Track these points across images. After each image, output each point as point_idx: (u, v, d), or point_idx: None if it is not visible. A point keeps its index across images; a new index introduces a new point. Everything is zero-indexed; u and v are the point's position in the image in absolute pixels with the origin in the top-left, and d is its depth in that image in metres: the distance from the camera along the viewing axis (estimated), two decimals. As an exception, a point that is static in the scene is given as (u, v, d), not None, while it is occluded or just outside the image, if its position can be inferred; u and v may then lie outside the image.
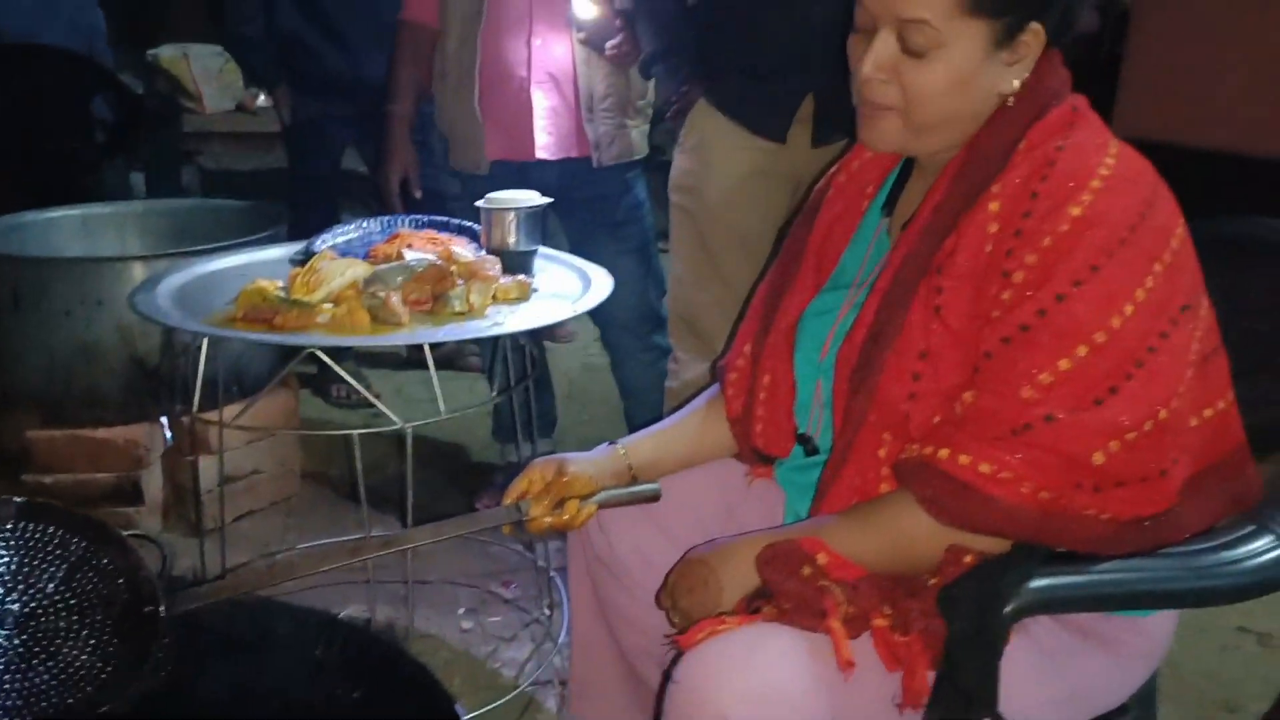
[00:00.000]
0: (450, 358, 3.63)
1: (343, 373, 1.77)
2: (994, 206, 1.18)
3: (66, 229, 2.90)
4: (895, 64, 1.21)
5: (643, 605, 1.52)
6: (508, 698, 2.02)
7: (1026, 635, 1.19)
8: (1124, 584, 1.17)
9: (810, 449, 1.38)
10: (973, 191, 1.20)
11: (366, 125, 3.11)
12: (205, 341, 1.83)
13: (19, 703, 1.17)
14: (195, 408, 1.84)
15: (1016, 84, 1.22)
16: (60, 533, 1.27)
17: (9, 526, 1.25)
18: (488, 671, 2.15)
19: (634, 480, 1.48)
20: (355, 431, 1.80)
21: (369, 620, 2.23)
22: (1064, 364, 1.11)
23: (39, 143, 3.94)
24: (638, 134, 2.57)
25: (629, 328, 2.64)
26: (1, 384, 2.69)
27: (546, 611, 2.32)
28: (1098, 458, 1.11)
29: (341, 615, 2.27)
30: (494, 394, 2.52)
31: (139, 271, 2.41)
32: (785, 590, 1.16)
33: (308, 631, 1.47)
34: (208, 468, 2.57)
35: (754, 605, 1.19)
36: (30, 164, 3.95)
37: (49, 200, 2.95)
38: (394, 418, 1.75)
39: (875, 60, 1.22)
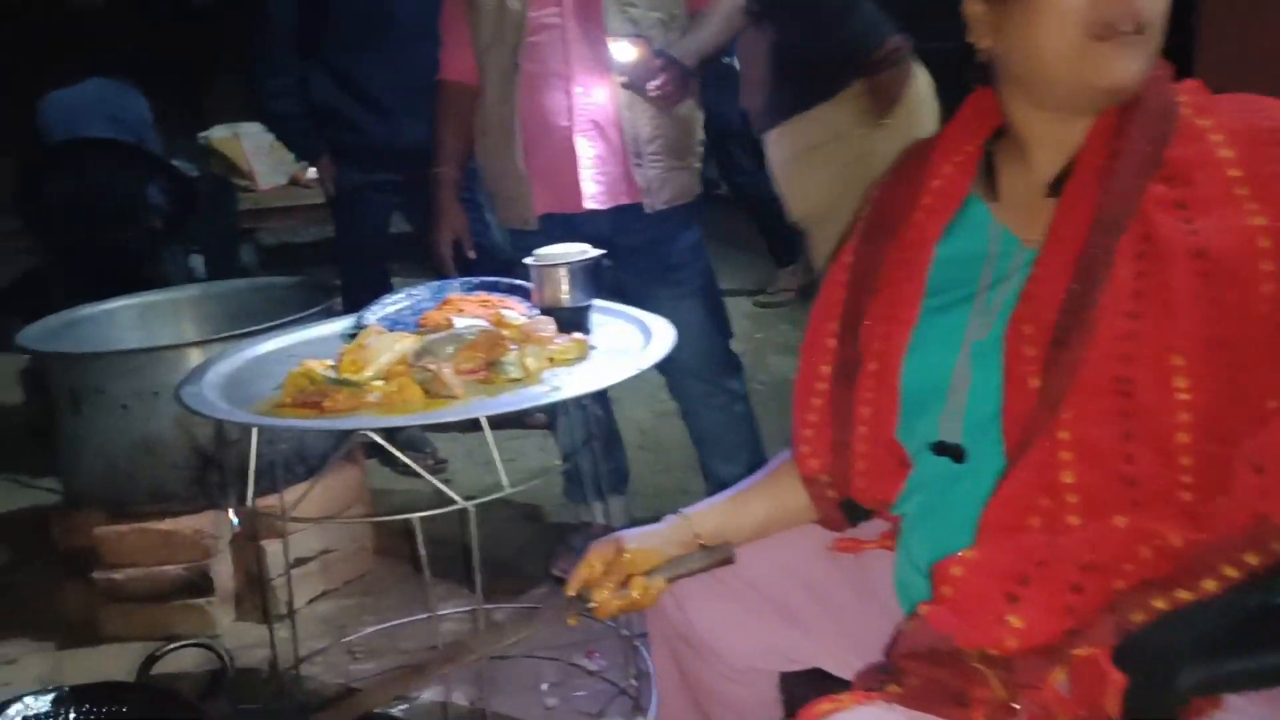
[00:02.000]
0: (515, 415, 3.54)
1: (398, 453, 1.69)
2: (1218, 138, 1.09)
3: (124, 320, 2.89)
4: None
5: (730, 681, 1.41)
6: (598, 782, 1.90)
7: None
8: None
9: (957, 456, 1.20)
10: (1156, 132, 1.10)
11: (410, 191, 3.07)
12: (255, 431, 1.75)
13: None
14: (251, 498, 1.76)
15: None
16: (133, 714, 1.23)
17: (82, 714, 1.21)
18: (577, 753, 2.03)
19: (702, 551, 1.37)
20: (415, 515, 1.71)
21: (445, 705, 2.14)
22: None
23: (96, 235, 3.99)
24: (689, 175, 2.47)
25: (697, 374, 2.53)
26: (66, 483, 2.67)
27: (633, 681, 2.20)
28: None
29: (416, 701, 2.18)
30: (560, 459, 2.43)
31: (194, 358, 2.37)
32: (915, 668, 1.03)
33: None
34: (276, 553, 2.52)
35: (876, 680, 1.06)
36: (89, 256, 4.00)
37: (111, 291, 2.95)
38: (455, 497, 1.65)
39: None
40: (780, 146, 2.62)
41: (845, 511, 1.35)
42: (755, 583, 1.37)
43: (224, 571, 2.57)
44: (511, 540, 2.85)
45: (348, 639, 2.48)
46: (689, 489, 2.97)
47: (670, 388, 2.66)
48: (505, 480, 1.67)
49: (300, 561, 2.60)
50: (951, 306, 1.20)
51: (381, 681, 1.32)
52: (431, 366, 1.69)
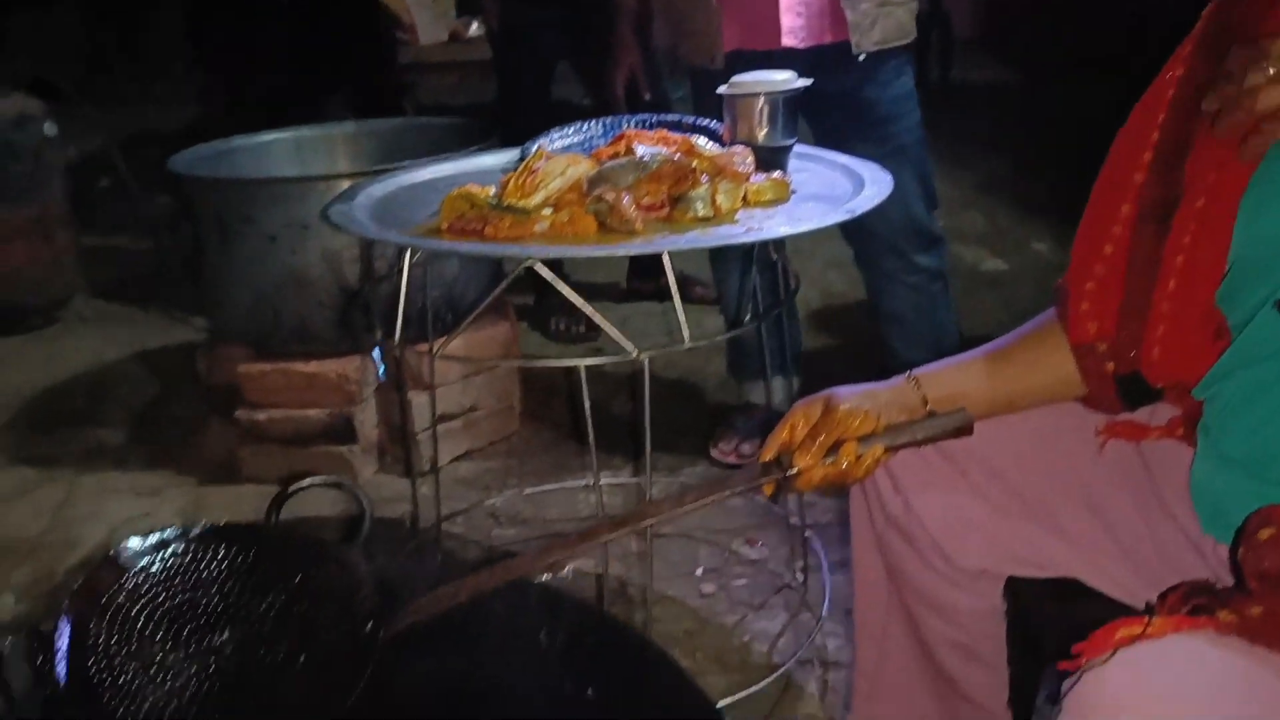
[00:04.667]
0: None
1: (567, 290, 1.47)
2: None
3: (277, 152, 2.74)
4: None
5: (949, 584, 1.16)
6: (765, 682, 1.70)
7: None
8: None
9: None
10: None
11: (577, 33, 2.81)
12: (408, 257, 1.56)
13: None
14: (399, 334, 1.58)
15: None
16: (277, 556, 1.08)
17: (223, 553, 1.06)
18: (736, 646, 1.83)
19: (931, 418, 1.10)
20: (583, 362, 1.50)
21: (601, 577, 1.96)
22: None
23: (258, 79, 3.89)
24: (905, 13, 2.13)
25: (893, 245, 2.23)
26: (212, 317, 2.58)
27: (800, 576, 1.98)
28: None
29: (570, 571, 2.01)
30: (740, 320, 2.18)
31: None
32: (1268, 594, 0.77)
33: (529, 614, 1.18)
34: (422, 405, 2.38)
35: (1193, 603, 0.80)
36: (249, 99, 3.91)
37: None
38: (628, 345, 1.43)
39: None
40: None
41: (1123, 390, 1.06)
42: (996, 468, 1.11)
43: (367, 420, 2.44)
44: (668, 419, 2.64)
45: (492, 501, 2.33)
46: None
47: (858, 260, 2.38)
48: (686, 332, 1.44)
49: (445, 418, 2.46)
50: None
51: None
52: (609, 196, 1.46)
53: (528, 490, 2.34)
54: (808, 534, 1.99)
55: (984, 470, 1.11)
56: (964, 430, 1.07)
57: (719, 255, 2.39)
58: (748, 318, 2.08)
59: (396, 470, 2.47)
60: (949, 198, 4.39)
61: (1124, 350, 1.03)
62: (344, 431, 2.40)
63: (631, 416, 2.60)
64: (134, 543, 1.06)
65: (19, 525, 2.30)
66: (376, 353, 2.45)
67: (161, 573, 1.04)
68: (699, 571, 2.04)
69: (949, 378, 1.11)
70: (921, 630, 1.22)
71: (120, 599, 1.01)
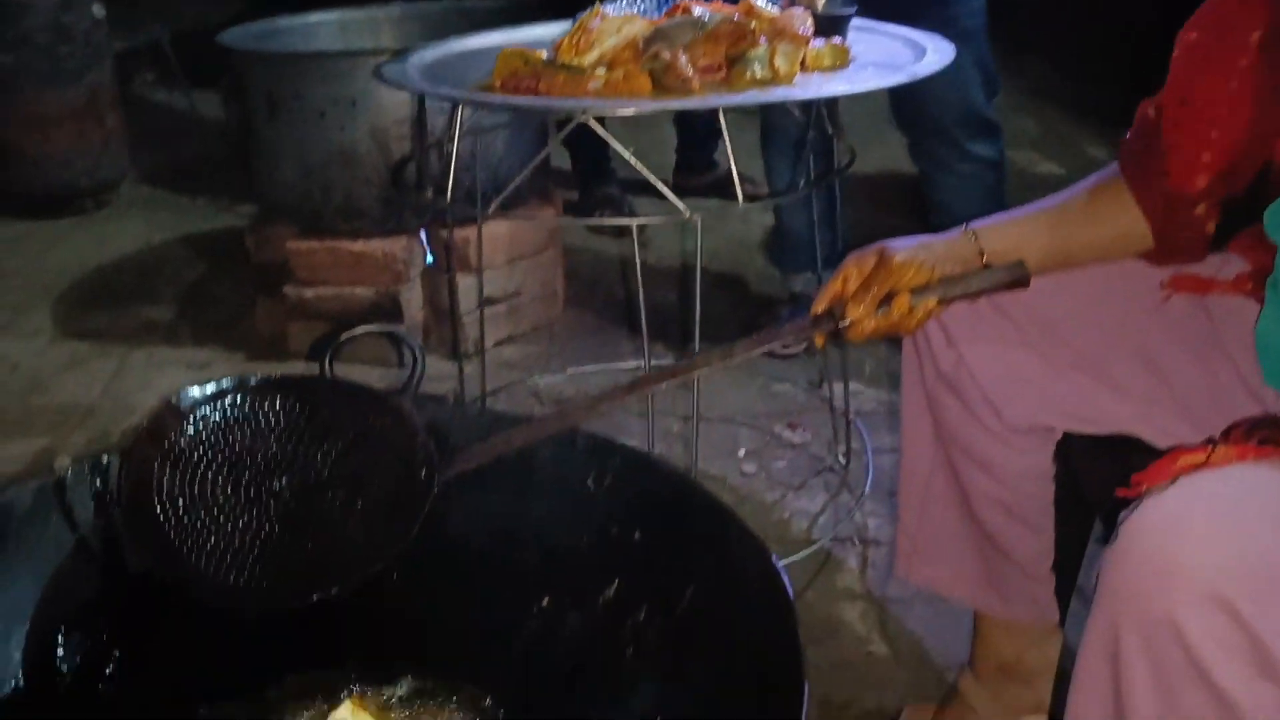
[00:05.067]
0: (719, 184, 3.26)
1: (615, 143, 1.44)
2: None
3: (322, 33, 2.71)
4: None
5: (1000, 442, 1.16)
6: (804, 553, 1.71)
7: None
8: None
9: None
10: None
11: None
12: (460, 114, 1.55)
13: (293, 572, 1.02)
14: (450, 201, 1.57)
15: None
16: (333, 407, 1.10)
17: (280, 404, 1.08)
18: (775, 522, 1.85)
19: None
20: (635, 221, 1.49)
21: (648, 448, 1.98)
22: None
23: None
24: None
25: (946, 132, 2.19)
26: (261, 194, 2.58)
27: (842, 460, 1.98)
28: None
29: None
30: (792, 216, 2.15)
31: (394, 67, 2.17)
32: None
33: (577, 459, 1.19)
34: (468, 287, 2.38)
35: (1259, 435, 0.79)
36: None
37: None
38: (680, 205, 1.42)
39: None
40: None
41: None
42: (1052, 322, 1.10)
43: (413, 300, 2.45)
44: (713, 311, 2.62)
45: (535, 380, 2.34)
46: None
47: (912, 150, 2.34)
48: (739, 192, 1.42)
49: (490, 301, 2.46)
50: None
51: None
52: (665, 54, 1.43)
53: (570, 370, 2.36)
54: (852, 417, 1.99)
55: (1039, 324, 1.10)
56: (1020, 283, 1.05)
57: (771, 141, 2.36)
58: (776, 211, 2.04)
59: (441, 352, 2.48)
60: (1000, 103, 4.30)
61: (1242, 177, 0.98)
62: (390, 310, 2.42)
63: (676, 307, 2.59)
64: (193, 391, 1.07)
65: (73, 394, 2.35)
66: (423, 235, 2.45)
67: (220, 421, 1.06)
68: (741, 453, 2.05)
69: (1007, 231, 1.09)
70: (967, 488, 1.21)
71: (181, 444, 1.03)
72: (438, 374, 2.37)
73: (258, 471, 1.02)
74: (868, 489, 1.86)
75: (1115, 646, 0.78)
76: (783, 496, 1.91)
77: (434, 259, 2.47)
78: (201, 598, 0.98)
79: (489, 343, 2.47)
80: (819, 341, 1.10)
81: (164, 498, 1.01)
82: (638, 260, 1.52)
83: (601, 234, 3.14)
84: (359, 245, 2.38)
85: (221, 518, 1.00)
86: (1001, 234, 1.09)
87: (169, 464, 1.02)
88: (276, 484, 1.03)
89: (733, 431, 2.11)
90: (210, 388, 1.06)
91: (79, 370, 2.45)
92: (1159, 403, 1.06)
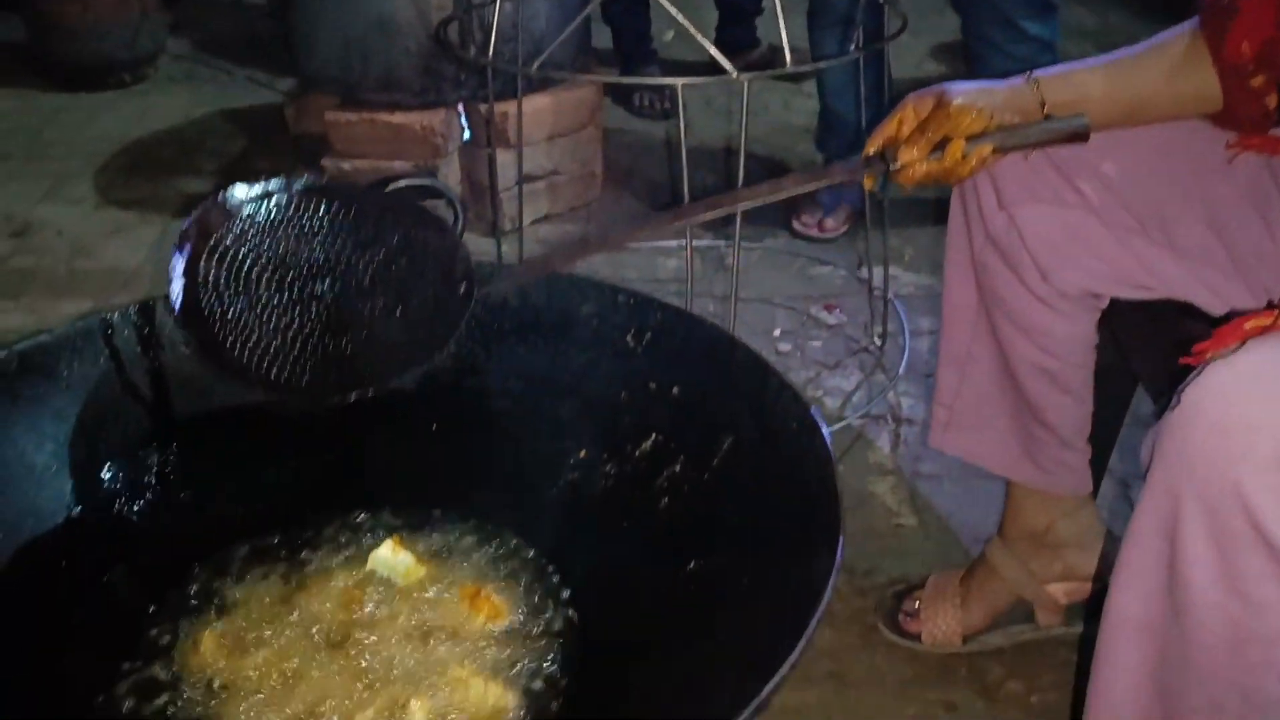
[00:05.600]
0: (763, 62, 3.19)
1: (672, 8, 1.42)
2: None
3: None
4: None
5: (1047, 308, 1.14)
6: (836, 427, 1.72)
7: None
8: None
9: None
10: None
11: None
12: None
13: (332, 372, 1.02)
14: (492, 51, 1.55)
15: None
16: (378, 216, 1.10)
17: (325, 209, 1.07)
18: (810, 399, 1.84)
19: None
20: (681, 81, 1.47)
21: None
22: None
23: None
24: None
25: (1002, 14, 2.13)
26: (299, 64, 2.56)
27: (878, 341, 1.98)
28: None
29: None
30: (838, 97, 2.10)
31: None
32: None
33: (617, 313, 1.19)
34: (506, 164, 2.37)
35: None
36: None
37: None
38: (728, 65, 1.40)
39: None
40: None
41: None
42: (1111, 180, 1.08)
43: (451, 176, 2.44)
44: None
45: (571, 251, 2.34)
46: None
47: (964, 30, 2.27)
48: (789, 56, 1.39)
49: (529, 179, 2.44)
50: None
51: (633, 225, 1.11)
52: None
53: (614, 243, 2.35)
54: (891, 299, 1.98)
55: (1097, 181, 1.07)
56: (1080, 136, 1.02)
57: (819, 18, 2.31)
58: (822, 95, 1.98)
59: (478, 229, 2.48)
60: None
61: (1274, 66, 0.96)
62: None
63: (719, 190, 2.57)
64: (240, 190, 1.06)
65: (117, 258, 2.37)
66: (462, 109, 2.43)
67: (265, 222, 1.05)
68: (776, 333, 2.05)
69: (1071, 81, 1.06)
70: (1009, 355, 1.21)
71: (228, 241, 1.03)
72: (475, 251, 2.37)
73: (301, 274, 1.03)
74: (902, 370, 1.86)
75: (1172, 514, 0.78)
76: (817, 375, 1.91)
77: (472, 134, 2.46)
78: (244, 387, 0.98)
79: (526, 220, 2.47)
80: (867, 184, 1.09)
81: (208, 290, 1.01)
82: (682, 122, 1.50)
83: (642, 117, 3.10)
84: (397, 118, 2.37)
85: (264, 315, 1.00)
86: (1065, 84, 1.06)
87: (214, 259, 1.01)
88: (319, 287, 1.03)
89: (769, 312, 2.11)
90: (257, 188, 1.05)
91: (122, 237, 2.47)
92: (1218, 266, 1.04)
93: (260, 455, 1.17)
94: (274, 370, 0.96)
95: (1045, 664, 1.34)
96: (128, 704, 1.00)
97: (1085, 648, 1.31)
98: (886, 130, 1.04)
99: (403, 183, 1.33)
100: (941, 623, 1.35)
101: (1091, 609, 1.34)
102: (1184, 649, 0.80)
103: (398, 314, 1.02)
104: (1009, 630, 1.36)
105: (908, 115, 1.03)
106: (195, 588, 1.11)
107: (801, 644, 0.74)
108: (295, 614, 1.08)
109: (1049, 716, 1.27)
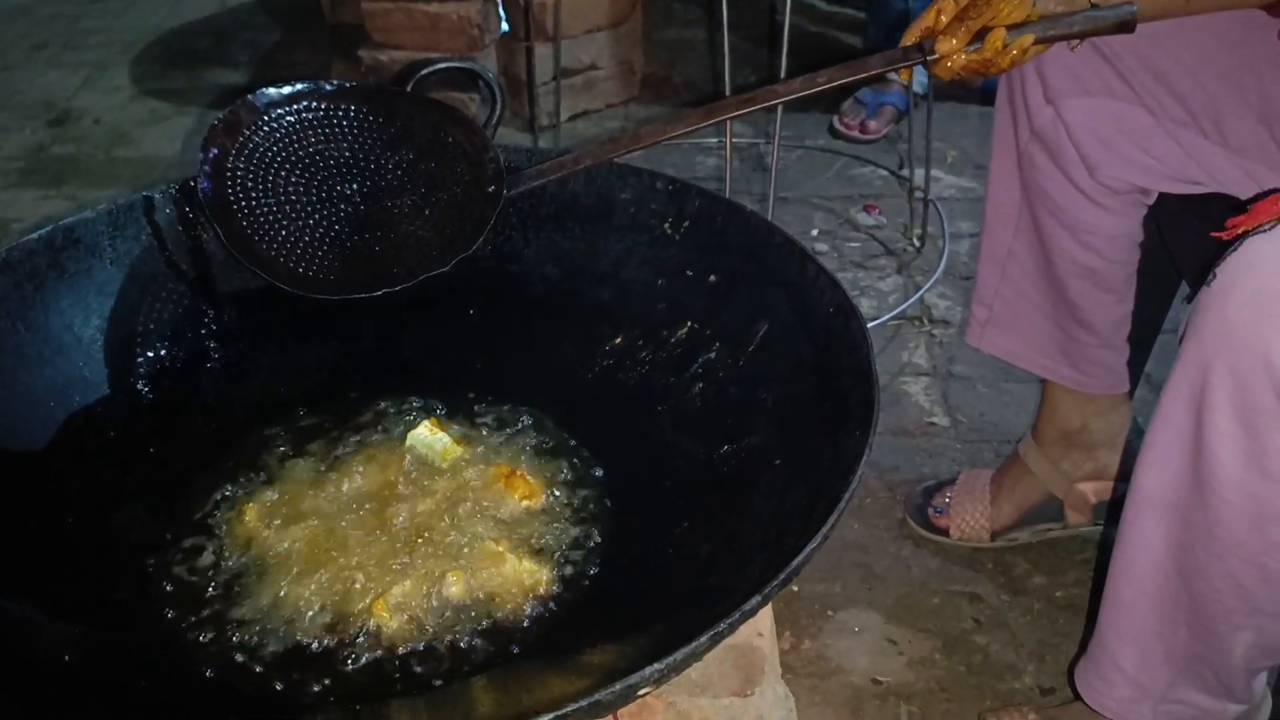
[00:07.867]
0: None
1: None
2: None
3: None
4: None
5: (1092, 203, 1.13)
6: (871, 324, 1.72)
7: None
8: None
9: None
10: None
11: None
12: None
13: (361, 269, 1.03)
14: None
15: None
16: (407, 117, 1.10)
17: (354, 111, 1.08)
18: (845, 298, 1.84)
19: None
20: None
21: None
22: None
23: None
24: None
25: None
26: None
27: (916, 243, 1.96)
28: None
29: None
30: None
31: None
32: None
33: (655, 200, 1.19)
34: (544, 57, 2.34)
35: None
36: None
37: None
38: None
39: None
40: None
41: None
42: (1161, 71, 1.05)
43: (489, 68, 2.41)
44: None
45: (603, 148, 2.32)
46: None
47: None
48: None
49: (567, 73, 2.42)
50: None
51: (667, 120, 1.11)
52: None
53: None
54: (932, 201, 1.95)
55: (1147, 73, 1.05)
56: (1126, 26, 0.99)
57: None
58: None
59: (514, 125, 2.46)
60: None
61: None
62: (465, 77, 2.38)
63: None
64: (270, 91, 1.08)
65: (154, 147, 2.38)
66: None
67: (295, 122, 1.06)
68: (814, 233, 2.04)
69: None
70: (1051, 253, 1.19)
71: (257, 139, 1.04)
72: (512, 145, 2.36)
73: (330, 174, 1.04)
74: (940, 272, 1.85)
75: (1201, 389, 0.78)
76: (853, 275, 1.90)
77: (509, 26, 2.42)
78: (271, 280, 0.99)
79: (565, 116, 2.44)
80: (903, 76, 1.07)
81: (237, 187, 1.02)
82: (725, 10, 1.47)
83: (684, 15, 3.04)
84: (434, 7, 2.34)
85: (293, 213, 1.02)
86: None
87: (243, 156, 1.03)
88: (348, 188, 1.05)
89: (808, 212, 2.09)
90: (287, 89, 1.06)
91: (159, 126, 2.47)
92: (1270, 161, 1.02)
93: (300, 336, 1.19)
94: (301, 265, 0.98)
95: (1070, 561, 1.35)
96: (176, 569, 1.03)
97: (1109, 545, 1.32)
98: (925, 20, 1.01)
99: (441, 65, 1.32)
100: (970, 518, 1.36)
101: (1117, 509, 1.34)
102: (1206, 526, 0.81)
103: (426, 213, 1.02)
104: (1037, 528, 1.37)
105: (946, 4, 1.00)
106: (238, 461, 1.14)
107: (834, 517, 0.75)
108: (335, 489, 1.10)
109: (1072, 610, 1.29)
